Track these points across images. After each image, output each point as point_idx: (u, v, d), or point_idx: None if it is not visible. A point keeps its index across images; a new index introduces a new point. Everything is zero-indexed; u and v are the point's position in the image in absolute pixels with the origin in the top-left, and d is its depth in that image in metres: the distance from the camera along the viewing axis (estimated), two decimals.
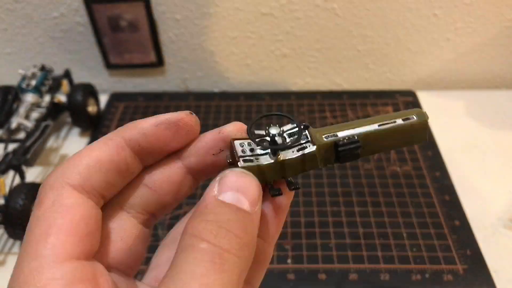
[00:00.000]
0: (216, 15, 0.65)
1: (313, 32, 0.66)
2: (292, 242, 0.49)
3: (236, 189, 0.18)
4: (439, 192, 0.54)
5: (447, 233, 0.49)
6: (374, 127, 0.20)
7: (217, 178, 0.18)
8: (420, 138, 0.21)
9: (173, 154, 0.21)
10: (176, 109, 0.68)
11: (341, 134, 0.20)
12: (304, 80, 0.72)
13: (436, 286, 0.44)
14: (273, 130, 0.20)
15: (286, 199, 0.21)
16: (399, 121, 0.20)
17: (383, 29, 0.66)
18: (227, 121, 0.65)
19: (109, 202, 0.20)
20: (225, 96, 0.71)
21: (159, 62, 0.70)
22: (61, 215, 0.17)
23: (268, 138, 0.20)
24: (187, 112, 0.20)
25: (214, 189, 0.18)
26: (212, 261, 0.16)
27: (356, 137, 0.20)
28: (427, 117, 0.21)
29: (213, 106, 0.69)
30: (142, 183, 0.21)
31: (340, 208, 0.52)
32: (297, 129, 0.20)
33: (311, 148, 0.20)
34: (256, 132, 0.20)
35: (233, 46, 0.68)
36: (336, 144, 0.20)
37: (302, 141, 0.20)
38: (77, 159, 0.19)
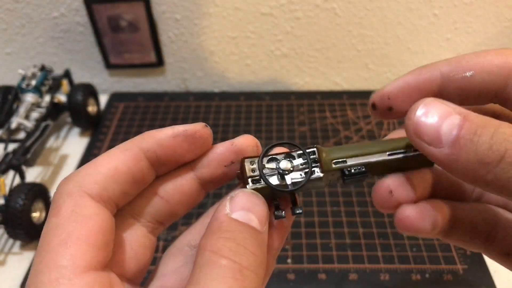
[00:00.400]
0: (216, 15, 0.65)
1: (313, 32, 0.66)
2: (292, 242, 0.49)
3: (247, 209, 0.19)
4: None
5: None
6: (383, 156, 0.21)
7: (228, 197, 0.19)
8: (427, 165, 0.21)
9: (185, 164, 0.21)
10: (176, 109, 0.68)
11: (350, 161, 0.20)
12: (304, 80, 0.72)
13: (436, 286, 0.44)
14: (283, 165, 0.20)
15: (288, 219, 0.21)
16: (409, 152, 0.21)
17: (383, 29, 0.66)
18: (227, 121, 0.65)
19: (120, 210, 0.20)
20: (225, 96, 0.71)
21: (159, 62, 0.70)
22: (80, 224, 0.17)
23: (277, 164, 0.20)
24: (202, 124, 0.21)
25: (226, 207, 0.19)
26: (234, 277, 0.16)
27: (364, 168, 0.20)
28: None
29: (213, 106, 0.69)
30: (154, 193, 0.21)
31: (340, 208, 0.52)
32: (306, 160, 0.20)
33: (318, 174, 0.20)
34: (267, 165, 0.20)
35: (233, 46, 0.68)
36: (343, 171, 0.20)
37: (312, 163, 0.20)
38: (95, 168, 0.19)
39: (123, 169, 0.19)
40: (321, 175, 0.20)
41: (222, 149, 0.21)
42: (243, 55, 0.69)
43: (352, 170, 0.20)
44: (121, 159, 0.19)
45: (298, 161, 0.20)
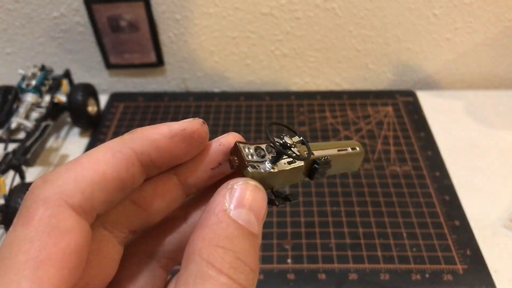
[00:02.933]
0: (216, 15, 0.65)
1: (313, 32, 0.66)
2: (292, 242, 0.49)
3: (249, 207, 0.17)
4: (439, 192, 0.54)
5: (447, 233, 0.49)
6: (335, 151, 0.23)
7: (228, 186, 0.17)
8: (357, 166, 0.25)
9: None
10: (176, 109, 0.68)
11: (316, 153, 0.22)
12: (304, 80, 0.72)
13: (436, 286, 0.44)
14: (288, 140, 0.21)
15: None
16: (349, 149, 0.24)
17: (383, 29, 0.66)
18: (227, 121, 0.65)
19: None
20: (225, 96, 0.71)
21: (159, 62, 0.70)
22: (55, 241, 0.14)
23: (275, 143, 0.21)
24: (200, 121, 0.18)
25: (225, 200, 0.17)
26: None
27: (328, 158, 0.22)
28: (363, 150, 0.25)
29: (213, 106, 0.69)
30: (131, 201, 0.18)
31: (340, 208, 0.52)
32: (298, 143, 0.22)
33: (299, 163, 0.21)
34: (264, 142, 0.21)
35: (233, 46, 0.68)
36: (315, 161, 0.22)
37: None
38: (79, 171, 0.16)
39: (112, 175, 0.16)
40: (302, 163, 0.21)
41: (210, 150, 0.19)
42: (243, 55, 0.69)
43: (322, 160, 0.22)
44: (111, 163, 0.16)
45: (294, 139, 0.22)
